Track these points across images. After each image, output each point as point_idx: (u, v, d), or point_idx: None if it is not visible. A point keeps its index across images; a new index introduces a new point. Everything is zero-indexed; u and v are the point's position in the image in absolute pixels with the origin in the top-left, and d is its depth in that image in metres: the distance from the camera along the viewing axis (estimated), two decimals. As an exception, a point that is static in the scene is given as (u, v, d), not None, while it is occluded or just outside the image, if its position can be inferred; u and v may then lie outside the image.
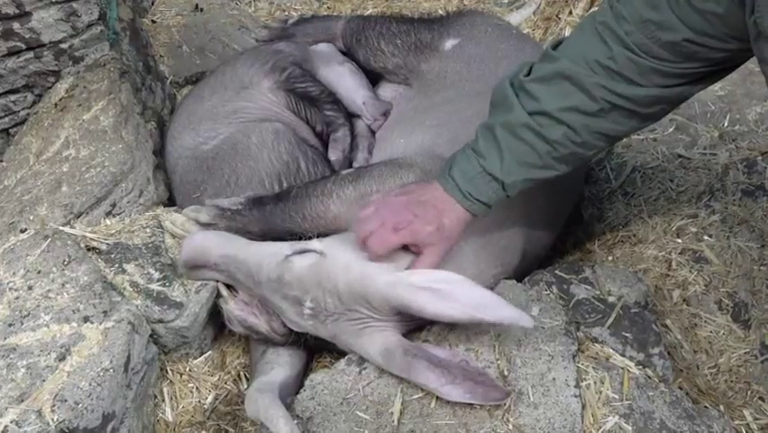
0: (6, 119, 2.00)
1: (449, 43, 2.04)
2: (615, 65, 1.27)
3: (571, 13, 2.78)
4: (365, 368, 1.41)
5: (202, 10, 2.75)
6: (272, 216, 1.64)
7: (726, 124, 2.10)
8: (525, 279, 1.59)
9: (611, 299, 1.53)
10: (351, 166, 2.02)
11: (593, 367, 1.37)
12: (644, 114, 1.34)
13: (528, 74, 1.36)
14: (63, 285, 1.46)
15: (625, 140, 2.13)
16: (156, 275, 1.59)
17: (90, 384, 1.30)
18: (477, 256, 1.53)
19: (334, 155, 2.00)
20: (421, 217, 1.38)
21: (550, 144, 1.34)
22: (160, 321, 1.54)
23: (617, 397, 1.33)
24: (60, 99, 1.93)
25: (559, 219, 1.88)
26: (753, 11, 1.11)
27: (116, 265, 1.58)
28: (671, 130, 2.10)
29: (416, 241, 1.39)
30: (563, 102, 1.31)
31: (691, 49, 1.22)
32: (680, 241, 1.74)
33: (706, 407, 1.42)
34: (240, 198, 1.71)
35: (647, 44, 1.24)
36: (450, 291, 1.35)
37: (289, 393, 1.47)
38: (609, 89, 1.28)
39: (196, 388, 1.63)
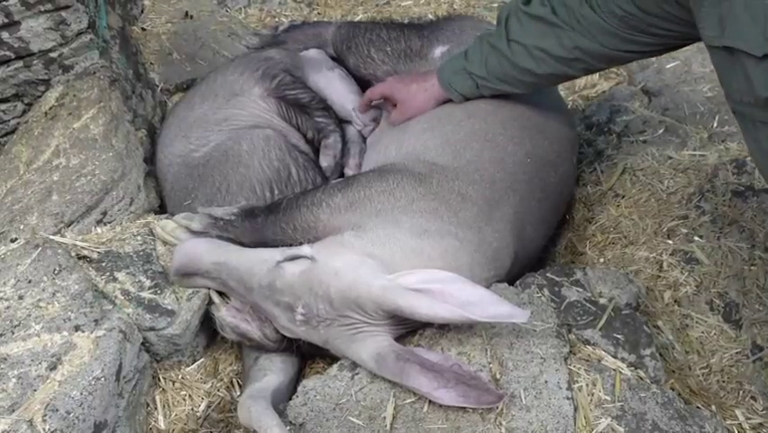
0: (-4, 128, 2.00)
1: (438, 50, 2.04)
2: (584, 20, 1.53)
3: (560, 16, 2.78)
4: (357, 373, 1.41)
5: (192, 17, 2.75)
6: (264, 228, 1.65)
7: (715, 125, 2.11)
8: (517, 282, 1.60)
9: (602, 300, 1.54)
10: (342, 172, 2.02)
11: (585, 369, 1.38)
12: (598, 68, 1.71)
13: (527, 2, 1.63)
14: (54, 294, 1.46)
15: (615, 141, 2.15)
16: (147, 283, 1.59)
17: (82, 393, 1.29)
18: (471, 259, 1.54)
19: (326, 161, 2.00)
20: (407, 82, 1.87)
21: (517, 69, 1.67)
22: (152, 329, 1.54)
23: (609, 399, 1.33)
24: (50, 108, 1.93)
25: (550, 222, 1.88)
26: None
27: (107, 273, 1.58)
28: (660, 131, 2.11)
29: (392, 94, 1.89)
30: (538, 42, 1.61)
31: (633, 22, 1.46)
32: (670, 242, 1.74)
33: (698, 407, 1.42)
34: (233, 208, 1.71)
35: (608, 5, 1.48)
36: (442, 291, 1.35)
37: (282, 400, 1.47)
38: (576, 43, 1.56)
39: (189, 395, 1.62)
